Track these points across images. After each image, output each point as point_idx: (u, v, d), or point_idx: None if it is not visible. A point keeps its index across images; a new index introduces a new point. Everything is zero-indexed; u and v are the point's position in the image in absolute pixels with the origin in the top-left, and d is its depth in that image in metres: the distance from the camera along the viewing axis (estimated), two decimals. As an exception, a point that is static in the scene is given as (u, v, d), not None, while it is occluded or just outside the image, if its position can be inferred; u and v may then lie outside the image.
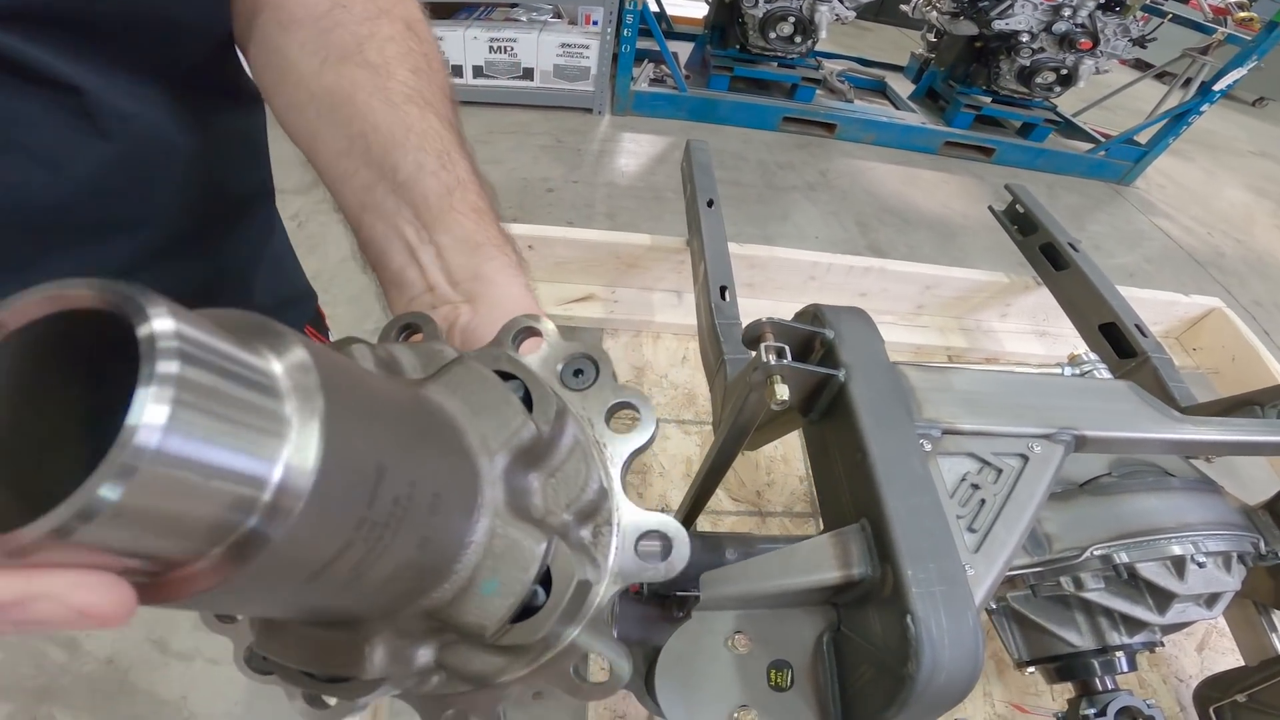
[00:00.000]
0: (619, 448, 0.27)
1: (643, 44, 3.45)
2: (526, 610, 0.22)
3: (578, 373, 0.28)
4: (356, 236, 0.40)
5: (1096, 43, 3.39)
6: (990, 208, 1.10)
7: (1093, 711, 0.44)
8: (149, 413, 0.10)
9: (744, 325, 0.64)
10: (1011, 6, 3.34)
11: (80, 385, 0.14)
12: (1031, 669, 0.48)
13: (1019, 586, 0.46)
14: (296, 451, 0.13)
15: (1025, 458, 0.37)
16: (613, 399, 0.27)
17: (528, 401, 0.24)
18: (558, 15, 3.44)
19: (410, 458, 0.18)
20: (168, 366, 0.11)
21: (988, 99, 3.77)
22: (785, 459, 0.83)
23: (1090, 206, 3.71)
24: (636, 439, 0.27)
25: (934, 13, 3.71)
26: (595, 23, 3.30)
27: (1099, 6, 3.35)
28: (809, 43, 3.46)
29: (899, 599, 0.29)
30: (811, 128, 3.72)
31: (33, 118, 0.37)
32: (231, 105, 0.50)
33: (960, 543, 0.32)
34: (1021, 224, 1.05)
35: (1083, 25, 3.39)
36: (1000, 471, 0.36)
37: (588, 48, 3.25)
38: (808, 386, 0.38)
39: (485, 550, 0.21)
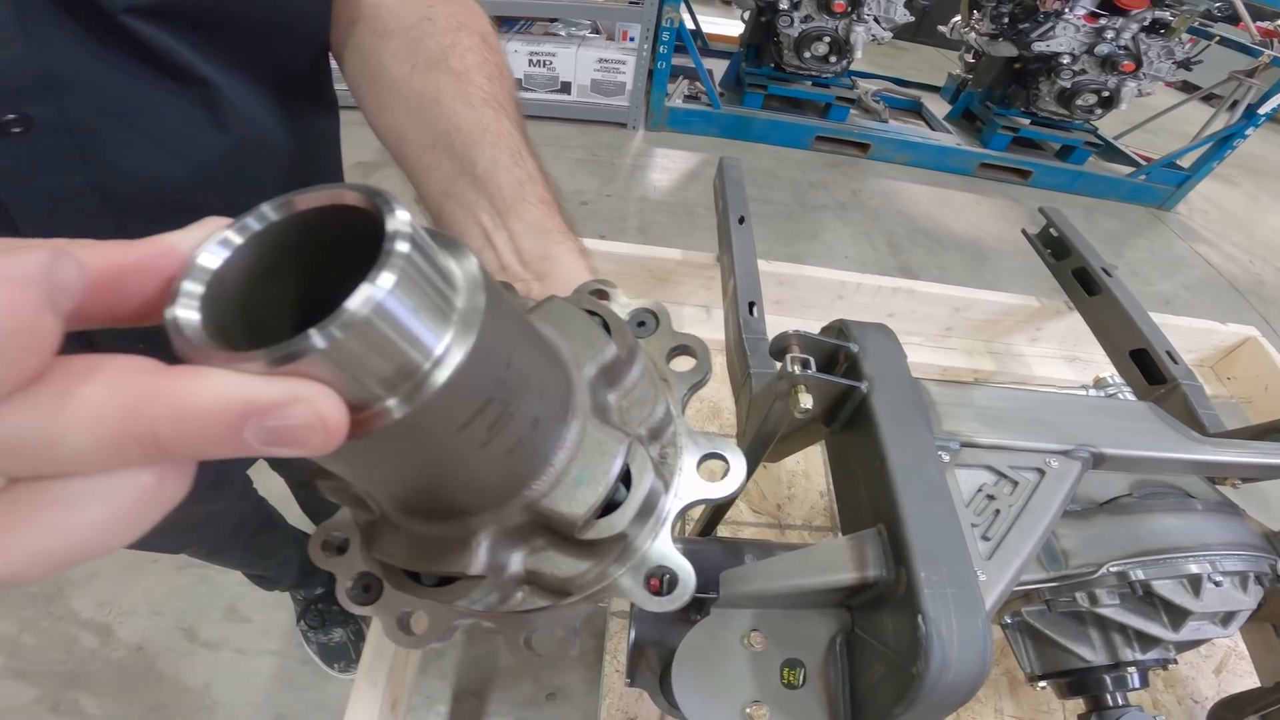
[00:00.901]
0: (679, 383, 0.31)
1: (678, 61, 3.48)
2: (610, 508, 0.25)
3: (641, 324, 0.32)
4: (437, 223, 0.44)
5: (1140, 65, 3.33)
6: (1024, 231, 1.10)
7: (1104, 726, 0.44)
8: (384, 276, 0.14)
9: (769, 340, 0.65)
10: (1053, 28, 3.30)
11: (297, 274, 0.18)
12: (1044, 684, 0.48)
13: (1034, 601, 0.46)
14: (461, 327, 0.17)
15: (1042, 472, 0.37)
16: (672, 342, 0.32)
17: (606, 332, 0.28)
18: (596, 31, 3.51)
19: (528, 349, 0.21)
20: (403, 245, 0.15)
21: (1026, 121, 3.72)
22: (807, 474, 0.84)
23: (1129, 231, 3.63)
24: (693, 375, 0.31)
25: (972, 34, 3.68)
26: (632, 39, 3.36)
27: (1143, 29, 3.30)
28: (844, 62, 3.46)
29: (911, 600, 0.30)
30: (845, 147, 3.71)
31: (168, 107, 0.42)
32: (319, 110, 0.55)
33: (973, 549, 0.33)
34: (1055, 248, 1.04)
35: (1126, 47, 3.34)
36: (1016, 484, 0.37)
37: (624, 63, 3.31)
38: (831, 397, 0.40)
39: (577, 447, 0.24)
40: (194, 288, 0.15)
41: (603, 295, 0.32)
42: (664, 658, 0.54)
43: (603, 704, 0.65)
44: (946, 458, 0.37)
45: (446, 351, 0.16)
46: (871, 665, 0.33)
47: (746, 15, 3.61)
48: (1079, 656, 0.45)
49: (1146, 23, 3.28)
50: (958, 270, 2.91)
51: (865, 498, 0.36)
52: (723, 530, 0.73)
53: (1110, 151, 4.04)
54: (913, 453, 0.34)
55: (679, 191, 3.15)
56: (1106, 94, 3.45)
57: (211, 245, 0.16)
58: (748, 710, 0.36)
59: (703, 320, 1.01)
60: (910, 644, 0.29)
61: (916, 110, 4.21)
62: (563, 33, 3.43)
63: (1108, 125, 3.96)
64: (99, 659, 1.34)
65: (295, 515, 1.26)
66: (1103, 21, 3.30)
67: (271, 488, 1.14)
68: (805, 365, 0.38)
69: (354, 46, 0.48)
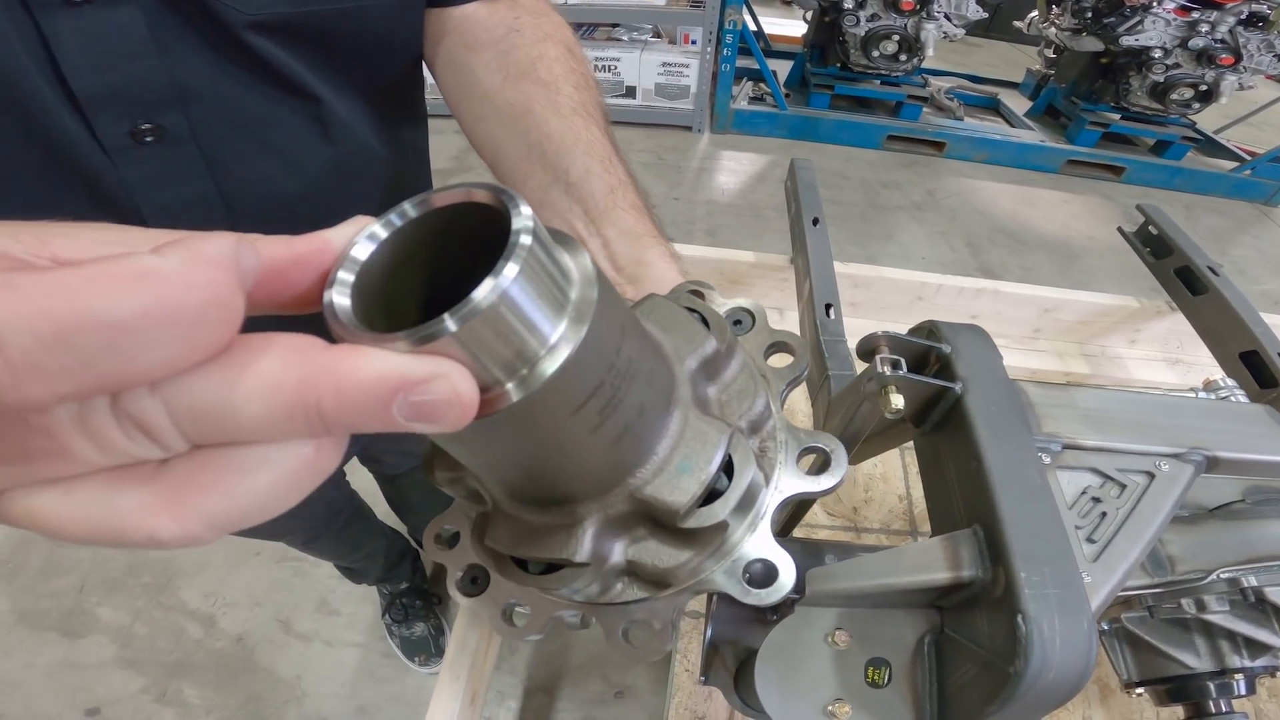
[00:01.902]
0: (776, 379, 0.31)
1: (742, 63, 3.46)
2: (711, 498, 0.25)
3: (737, 322, 0.33)
4: None
5: (1239, 58, 3.11)
6: (1120, 229, 1.04)
7: (1206, 733, 0.42)
8: (509, 266, 0.15)
9: (849, 342, 0.64)
10: (1141, 22, 3.12)
11: (425, 266, 0.19)
12: (1141, 690, 0.46)
13: (1135, 607, 0.44)
14: (576, 316, 0.18)
15: (1151, 475, 0.36)
16: (770, 339, 0.32)
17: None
18: (658, 35, 3.53)
19: (635, 339, 0.22)
20: (526, 238, 0.16)
21: (1116, 116, 3.51)
22: (885, 477, 0.82)
23: (1233, 229, 3.36)
24: (791, 371, 0.31)
25: (1053, 29, 3.52)
26: (694, 42, 3.36)
27: (1240, 22, 3.08)
28: (915, 60, 3.36)
29: (1010, 600, 0.29)
30: (918, 146, 3.59)
31: (283, 120, 0.45)
32: (412, 122, 0.58)
33: (1078, 552, 0.32)
34: (1155, 246, 0.98)
35: (1223, 41, 3.12)
36: (1124, 487, 0.35)
37: (688, 66, 3.32)
38: (922, 398, 0.39)
39: (680, 436, 0.25)
40: (347, 277, 0.17)
41: (699, 295, 0.33)
42: (739, 657, 0.54)
43: (671, 702, 0.65)
44: (1047, 459, 0.35)
45: (561, 339, 0.17)
46: (962, 665, 0.32)
47: (809, 16, 3.56)
48: (1181, 663, 0.43)
49: (1243, 16, 3.08)
50: (1045, 270, 2.78)
51: (959, 499, 0.35)
52: (798, 533, 0.72)
53: (1210, 146, 3.78)
54: (1011, 454, 0.33)
55: (747, 194, 3.13)
56: (1204, 88, 3.24)
57: (362, 239, 0.17)
58: (830, 708, 0.36)
59: (776, 323, 1.01)
60: (1008, 644, 0.28)
61: (994, 107, 4.06)
62: (625, 37, 3.47)
63: (1206, 120, 3.70)
64: (203, 649, 1.43)
65: (383, 511, 1.32)
66: (1195, 15, 3.11)
67: (360, 484, 1.20)
68: (895, 366, 0.38)
69: (447, 59, 0.50)
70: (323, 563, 1.41)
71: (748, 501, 0.27)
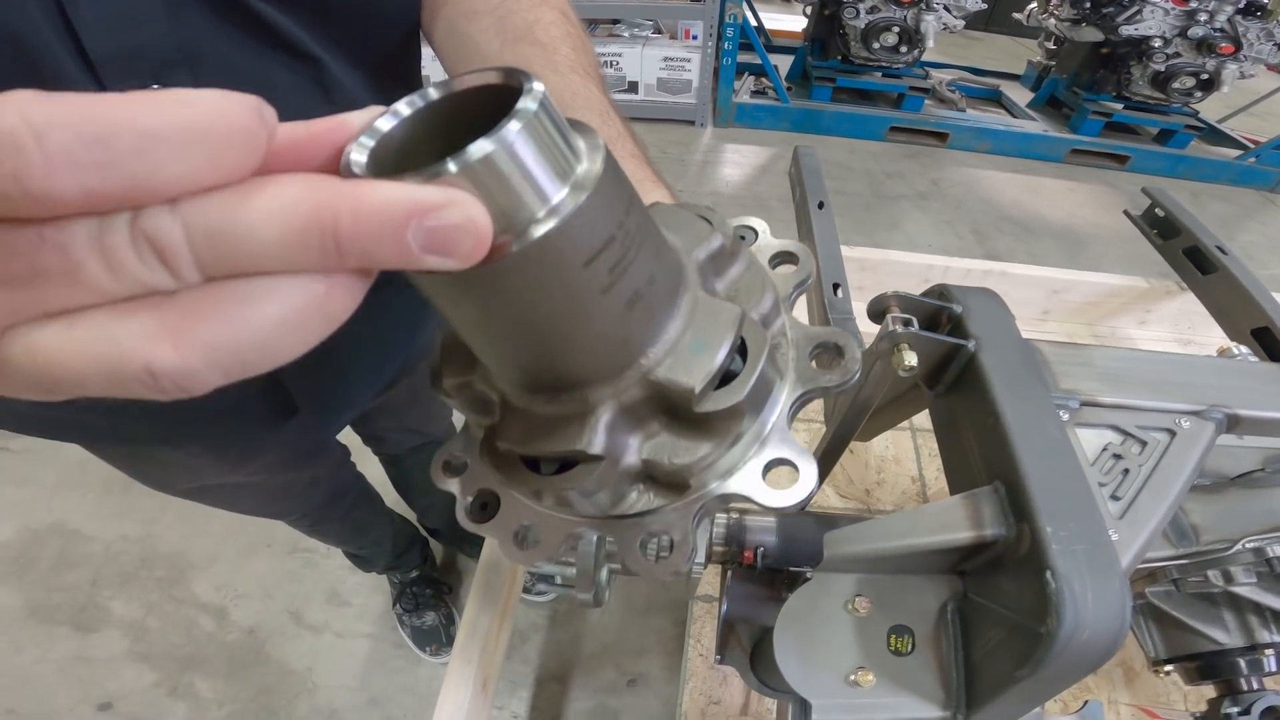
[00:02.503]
0: (784, 287, 0.31)
1: (743, 58, 3.47)
2: (726, 381, 0.24)
3: (742, 237, 0.33)
4: None
5: (1239, 47, 3.11)
6: (1126, 212, 1.03)
7: (1236, 710, 0.41)
8: (513, 122, 0.16)
9: (860, 318, 0.64)
10: (1139, 12, 3.11)
11: (442, 146, 0.19)
12: (1169, 669, 0.45)
13: (1160, 581, 0.43)
14: (582, 178, 0.18)
15: (1172, 433, 0.35)
16: (775, 248, 0.32)
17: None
18: (658, 31, 3.54)
19: (640, 214, 0.22)
20: (531, 102, 0.17)
21: (1119, 105, 3.51)
22: (897, 459, 0.81)
23: (1240, 215, 3.36)
24: (797, 276, 0.31)
25: (1052, 20, 3.51)
26: (695, 37, 3.36)
27: (1238, 10, 3.08)
28: (916, 52, 3.36)
29: (1036, 556, 0.28)
30: (921, 137, 3.60)
31: (285, 83, 0.45)
32: (409, 91, 0.58)
33: (1103, 509, 0.32)
34: (1162, 228, 0.98)
35: (1222, 29, 3.12)
36: (1145, 444, 0.34)
37: (689, 61, 3.32)
38: (935, 357, 0.38)
39: (691, 316, 0.25)
40: (367, 142, 0.18)
41: (702, 219, 0.33)
42: (754, 635, 0.54)
43: (685, 689, 0.65)
44: (1066, 416, 0.35)
45: (568, 195, 0.18)
46: (989, 630, 0.32)
47: (809, 10, 3.56)
48: (1210, 639, 0.42)
49: (1241, 4, 3.08)
50: (1052, 257, 2.77)
51: (977, 457, 0.35)
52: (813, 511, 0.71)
53: (1214, 135, 3.78)
54: (1029, 409, 0.33)
55: (751, 185, 3.13)
56: (1206, 76, 3.23)
57: (385, 115, 0.18)
58: (852, 676, 0.35)
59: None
60: (1037, 603, 0.28)
61: (996, 99, 4.06)
62: (626, 33, 3.48)
63: (1209, 110, 3.69)
64: (215, 642, 1.43)
65: (392, 500, 1.32)
66: (1193, 4, 3.11)
67: (368, 476, 1.20)
68: (907, 324, 0.37)
69: (446, 28, 0.51)
70: (334, 554, 1.41)
71: (761, 395, 0.26)
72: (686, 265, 0.26)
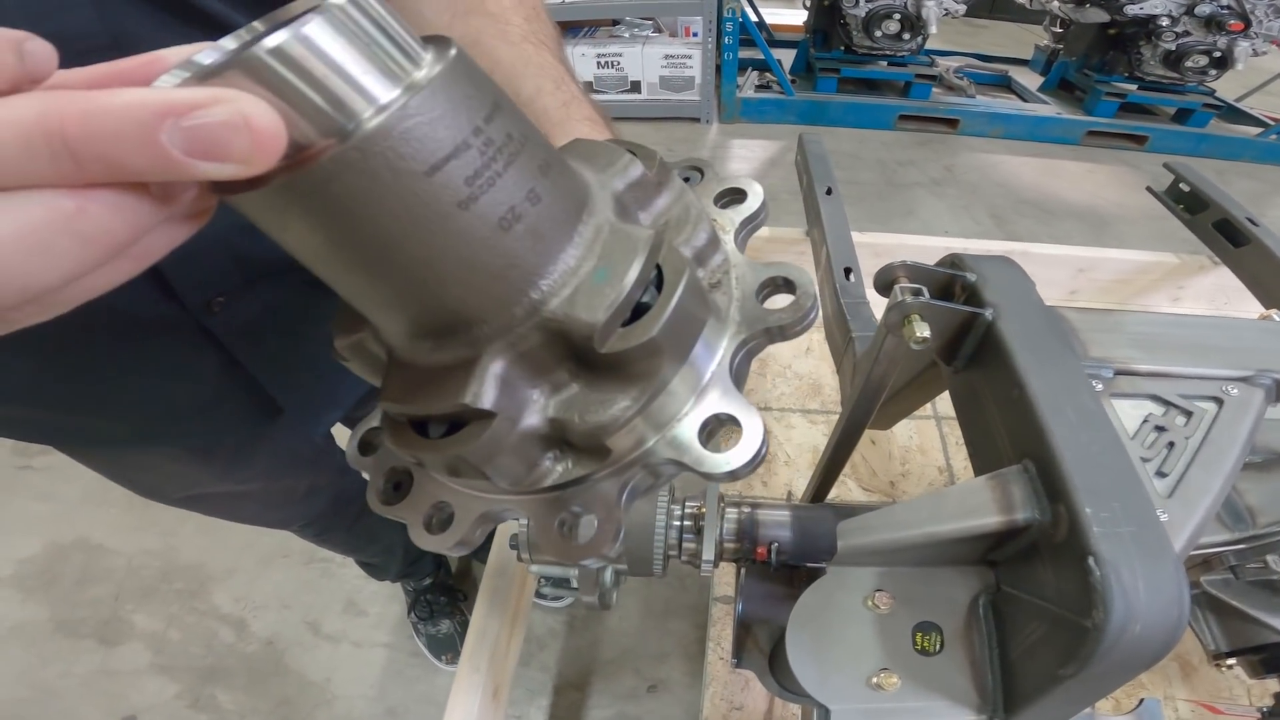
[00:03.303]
0: (730, 219, 0.28)
1: (746, 54, 3.44)
2: (639, 314, 0.21)
3: (686, 179, 0.30)
4: None
5: (1249, 24, 3.04)
6: (1149, 189, 1.00)
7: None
8: (311, 15, 0.15)
9: (870, 303, 0.61)
10: (1143, -10, 3.06)
11: None
12: (1231, 662, 0.41)
13: (1216, 569, 0.40)
14: (415, 79, 0.17)
15: (1220, 401, 0.32)
16: (719, 187, 0.29)
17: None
18: (658, 30, 3.54)
19: (515, 120, 0.20)
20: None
21: (1133, 86, 3.46)
22: (922, 449, 0.78)
23: (1269, 191, 3.28)
24: (745, 210, 0.28)
25: (1055, 3, 3.46)
26: (695, 34, 3.35)
27: (1244, -15, 3.02)
28: (918, 39, 3.33)
29: (1076, 541, 0.25)
30: (931, 124, 3.55)
31: None
32: None
33: (1149, 487, 0.29)
34: (1188, 203, 0.94)
35: (1228, 6, 3.06)
36: (1190, 415, 0.31)
37: (690, 58, 3.31)
38: (950, 329, 0.35)
39: (594, 242, 0.21)
40: (181, 73, 0.16)
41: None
42: (773, 637, 0.51)
43: (706, 694, 0.63)
44: (1099, 386, 0.32)
45: (400, 94, 0.16)
46: (1026, 625, 0.29)
47: (808, 2, 3.54)
48: (1274, 629, 0.39)
49: None
50: (1076, 238, 2.73)
51: (1003, 435, 0.32)
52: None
53: (1233, 113, 3.70)
54: (1057, 378, 0.30)
55: (760, 179, 3.04)
56: (1218, 54, 3.17)
57: (207, 50, 0.17)
58: (874, 679, 0.32)
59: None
60: (1080, 594, 0.25)
61: (1005, 84, 4.01)
62: (626, 34, 3.48)
63: (1224, 88, 3.61)
64: (234, 654, 1.43)
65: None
66: (1198, -20, 3.05)
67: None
68: (917, 294, 0.34)
69: (396, 5, 0.49)
70: (349, 563, 1.40)
71: (688, 335, 0.22)
72: (595, 192, 0.23)
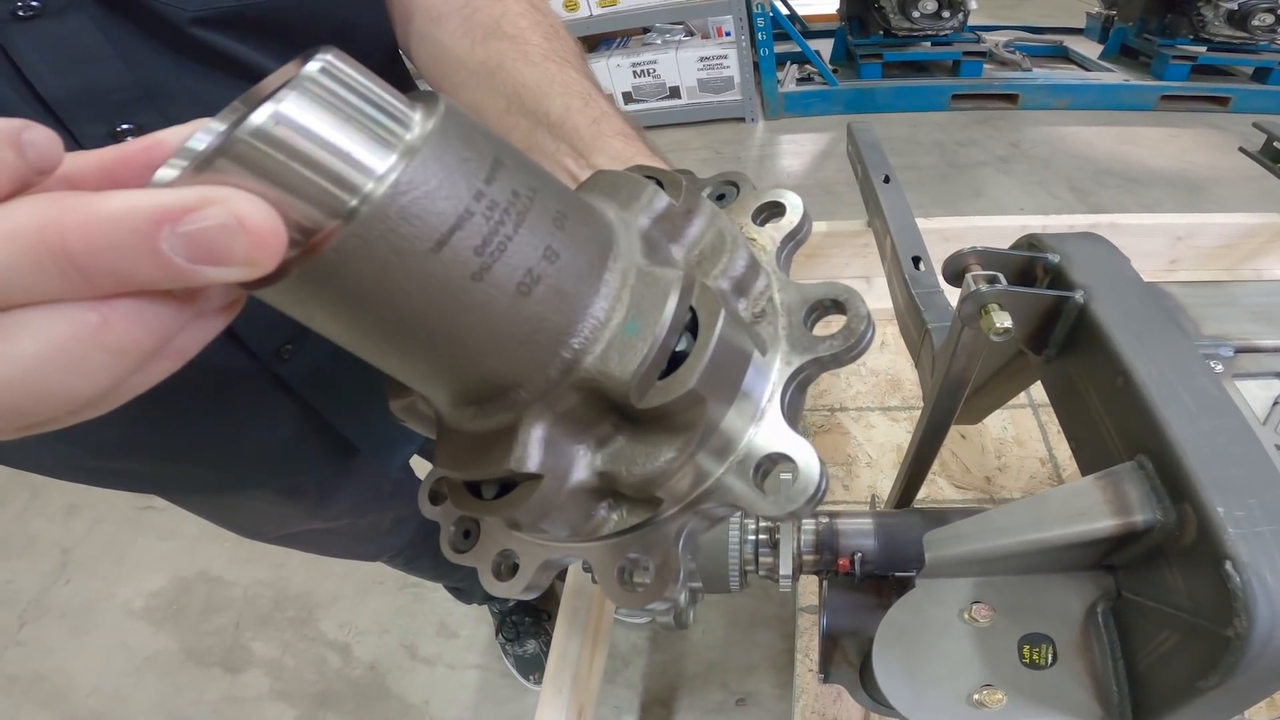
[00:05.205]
0: (770, 237, 0.26)
1: (783, 48, 3.39)
2: (676, 362, 0.20)
3: (720, 197, 0.29)
4: None
5: None
6: (1242, 149, 0.92)
7: None
8: (286, 92, 0.14)
9: (944, 291, 0.58)
10: (1195, -51, 2.85)
11: None
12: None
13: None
14: (407, 147, 0.16)
15: (1368, 372, 0.28)
16: (755, 202, 0.27)
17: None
18: (690, 33, 3.50)
19: (520, 173, 0.19)
20: (314, 66, 0.15)
21: (1201, 48, 3.23)
22: (1019, 440, 0.73)
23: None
24: (785, 225, 0.26)
25: (1101, -32, 3.27)
26: (728, 33, 3.31)
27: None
28: (959, 17, 3.20)
29: (1209, 544, 0.23)
30: (989, 101, 3.39)
31: None
32: None
33: (1288, 476, 0.25)
34: (1287, 161, 0.86)
35: None
36: (1332, 391, 0.28)
37: (726, 57, 3.26)
38: (1035, 316, 0.33)
39: (622, 291, 0.20)
40: (179, 162, 0.16)
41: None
42: (862, 648, 0.49)
43: (796, 706, 0.61)
44: (1219, 368, 0.29)
45: (390, 169, 0.16)
46: (1156, 633, 0.26)
47: (839, -12, 3.47)
48: None
49: None
50: (1169, 205, 2.56)
51: (1110, 429, 0.29)
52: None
53: (1321, 69, 3.38)
54: (1169, 362, 0.27)
55: (813, 173, 3.04)
56: (1285, 10, 2.93)
57: (199, 133, 0.16)
58: (976, 696, 0.30)
59: (864, 291, 0.93)
60: (1217, 600, 0.22)
61: (1062, 55, 3.80)
62: (658, 40, 3.46)
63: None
64: (342, 678, 1.50)
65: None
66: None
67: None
68: (992, 281, 0.32)
69: (417, 37, 0.50)
70: (439, 587, 1.45)
71: (732, 376, 0.21)
72: (618, 234, 0.22)
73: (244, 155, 0.14)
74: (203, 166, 0.14)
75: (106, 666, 1.55)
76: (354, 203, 0.15)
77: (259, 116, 0.14)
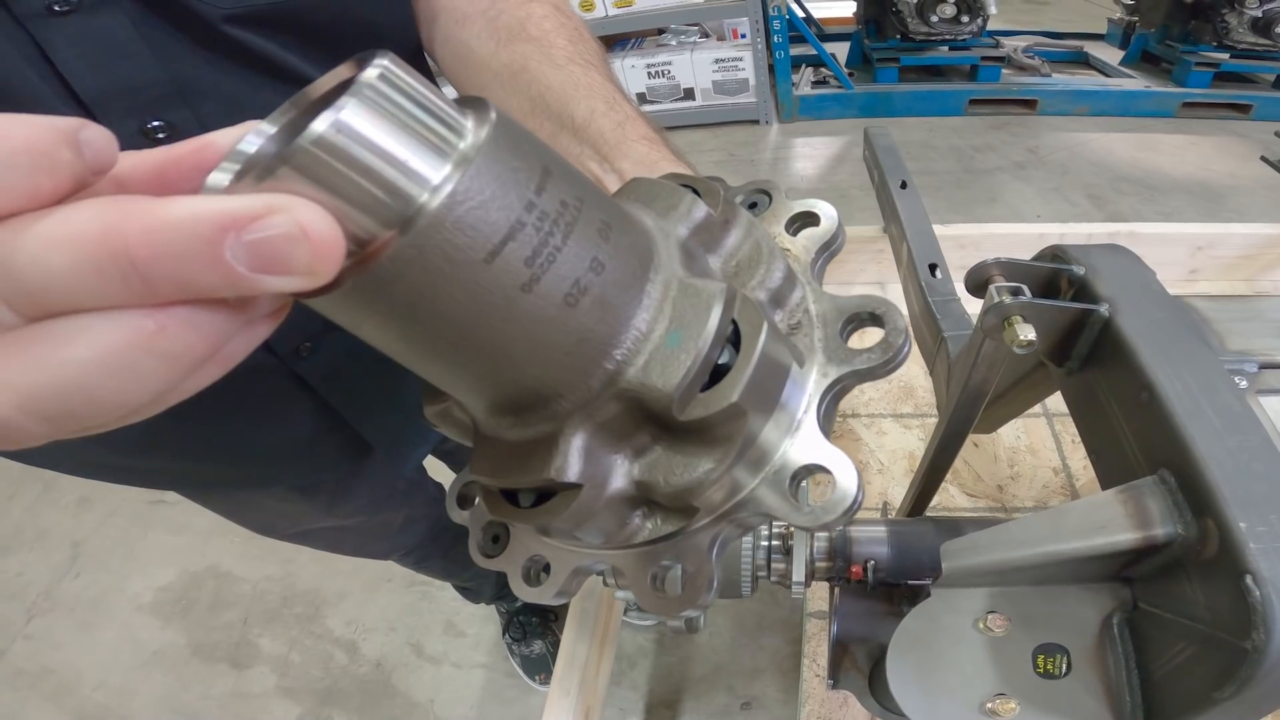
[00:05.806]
0: (804, 247, 0.27)
1: (799, 51, 3.38)
2: (718, 377, 0.20)
3: (752, 205, 0.29)
4: None
5: None
6: (1263, 158, 0.92)
7: None
8: (345, 99, 0.14)
9: (966, 300, 0.58)
10: (1218, -44, 2.83)
11: None
12: None
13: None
14: (461, 155, 0.16)
15: (1395, 391, 0.28)
16: (788, 212, 0.28)
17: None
18: (705, 35, 3.49)
19: (567, 184, 0.19)
20: (371, 73, 0.15)
21: (1224, 55, 3.19)
22: (1033, 449, 0.73)
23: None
24: (820, 236, 0.27)
25: (1124, -27, 3.25)
26: (744, 35, 3.29)
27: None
28: (978, 21, 3.18)
29: (1229, 558, 0.23)
30: (1006, 107, 3.37)
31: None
32: None
33: (1312, 493, 0.25)
34: (1312, 167, 0.85)
35: None
36: (1357, 409, 0.28)
37: (741, 60, 3.25)
38: (1058, 329, 0.33)
39: (664, 303, 0.20)
40: (230, 166, 0.16)
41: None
42: (872, 655, 0.49)
43: (802, 711, 0.61)
44: (1243, 383, 0.29)
45: (445, 179, 0.16)
46: (1172, 645, 0.26)
47: (857, -10, 3.44)
48: None
49: None
50: (1189, 214, 2.52)
51: (1131, 443, 0.29)
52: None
53: (1342, 78, 3.34)
54: (1194, 377, 0.27)
55: (828, 177, 3.03)
56: (1310, 19, 2.90)
57: (250, 136, 0.16)
58: (989, 705, 0.30)
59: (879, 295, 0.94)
60: (1236, 613, 0.22)
61: (1082, 60, 3.78)
62: (673, 41, 3.44)
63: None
64: (349, 675, 1.50)
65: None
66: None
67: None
68: (1016, 293, 0.32)
69: (441, 39, 0.50)
70: (447, 586, 1.45)
71: (772, 388, 0.21)
72: (658, 244, 0.22)
73: (306, 164, 0.14)
74: (264, 174, 0.14)
75: (114, 660, 1.56)
76: (410, 213, 0.15)
77: (321, 124, 0.14)
